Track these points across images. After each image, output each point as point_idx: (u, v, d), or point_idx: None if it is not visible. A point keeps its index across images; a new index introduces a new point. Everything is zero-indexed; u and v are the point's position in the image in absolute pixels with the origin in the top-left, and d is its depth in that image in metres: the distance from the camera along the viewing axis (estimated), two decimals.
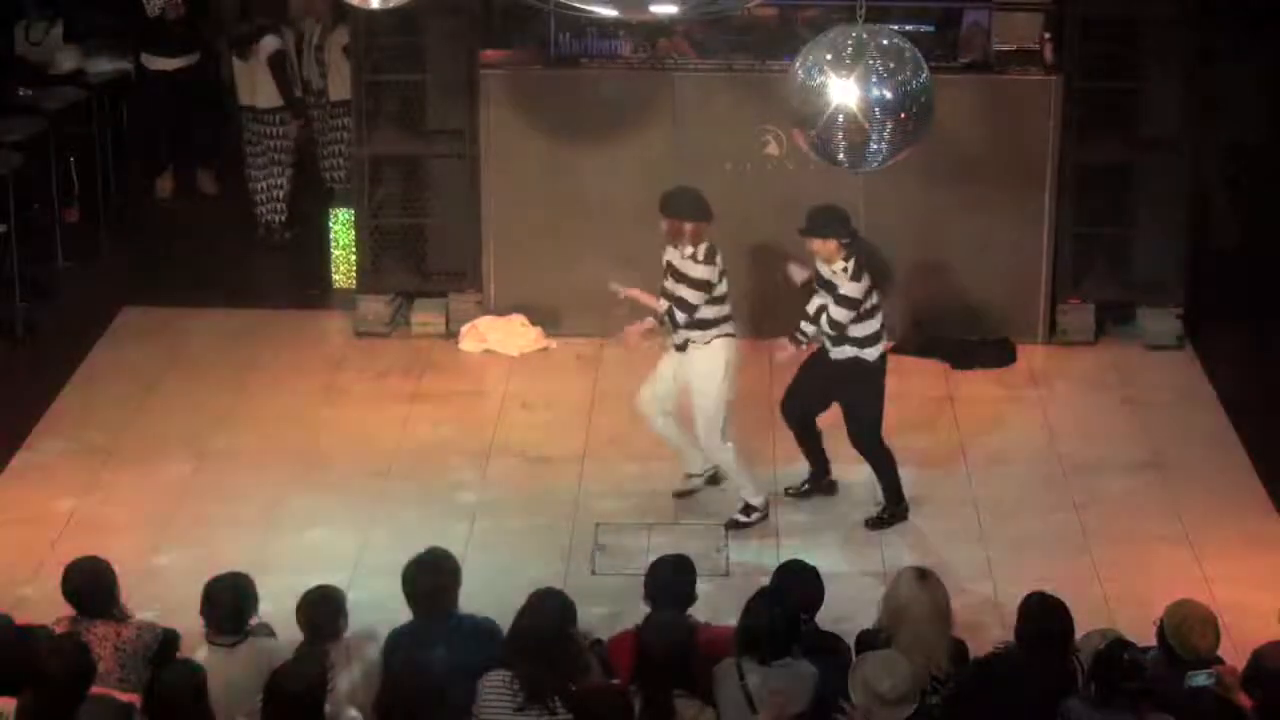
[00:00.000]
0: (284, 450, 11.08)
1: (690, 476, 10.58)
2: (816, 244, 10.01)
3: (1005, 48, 12.42)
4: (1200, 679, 7.32)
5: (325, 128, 14.32)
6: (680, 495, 10.57)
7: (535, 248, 12.51)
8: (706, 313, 10.01)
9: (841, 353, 10.06)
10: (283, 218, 14.29)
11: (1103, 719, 7.13)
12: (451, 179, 12.68)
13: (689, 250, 9.96)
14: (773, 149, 12.22)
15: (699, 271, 9.94)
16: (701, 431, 10.21)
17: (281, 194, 14.28)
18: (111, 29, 15.11)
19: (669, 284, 10.05)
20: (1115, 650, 7.30)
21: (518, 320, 12.45)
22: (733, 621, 7.98)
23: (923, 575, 7.78)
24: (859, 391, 10.15)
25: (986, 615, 9.17)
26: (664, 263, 10.12)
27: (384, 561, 9.30)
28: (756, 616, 7.62)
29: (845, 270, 9.95)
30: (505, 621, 7.61)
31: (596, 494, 10.58)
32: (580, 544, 10.14)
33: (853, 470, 10.66)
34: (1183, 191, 12.44)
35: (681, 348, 10.13)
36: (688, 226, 9.94)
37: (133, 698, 7.32)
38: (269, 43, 13.96)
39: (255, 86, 14.05)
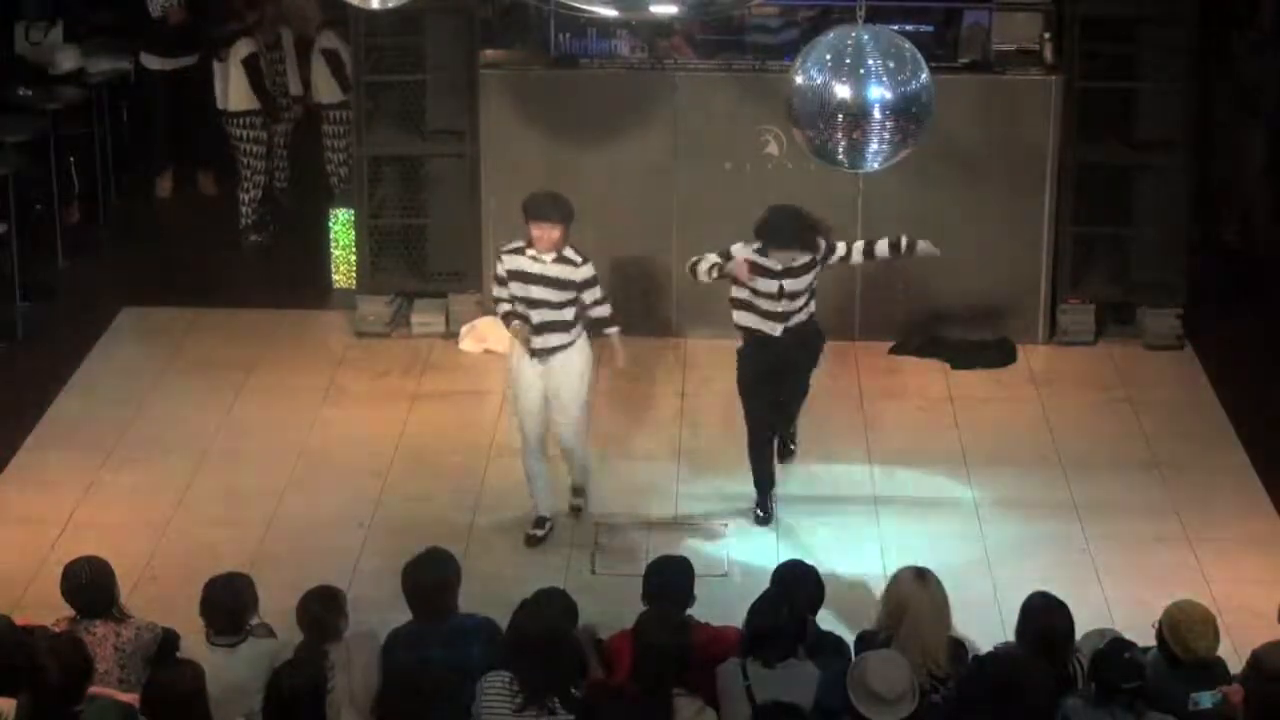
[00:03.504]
0: (284, 450, 11.08)
1: (545, 521, 10.19)
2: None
3: (1005, 48, 12.41)
4: (1205, 700, 7.31)
5: (326, 132, 14.34)
6: (535, 543, 10.13)
7: None
8: (574, 311, 9.88)
9: (808, 312, 10.04)
10: (249, 221, 14.27)
11: (1102, 719, 7.13)
12: (451, 179, 12.68)
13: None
14: (773, 149, 12.22)
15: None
16: (576, 436, 10.05)
17: (248, 198, 14.26)
18: (111, 29, 15.13)
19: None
20: (1114, 650, 7.30)
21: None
22: (732, 621, 7.99)
23: (921, 575, 7.77)
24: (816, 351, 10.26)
25: (986, 615, 9.17)
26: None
27: (384, 562, 9.31)
28: (764, 618, 7.62)
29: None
30: (505, 621, 7.61)
31: (596, 494, 10.57)
32: (580, 544, 10.14)
33: (852, 470, 10.67)
34: (1183, 191, 12.44)
35: (545, 354, 9.86)
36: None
37: (132, 698, 7.31)
38: (242, 46, 13.97)
39: (228, 89, 14.06)
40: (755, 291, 9.96)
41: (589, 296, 9.89)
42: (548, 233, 9.75)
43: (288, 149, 14.76)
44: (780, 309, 9.97)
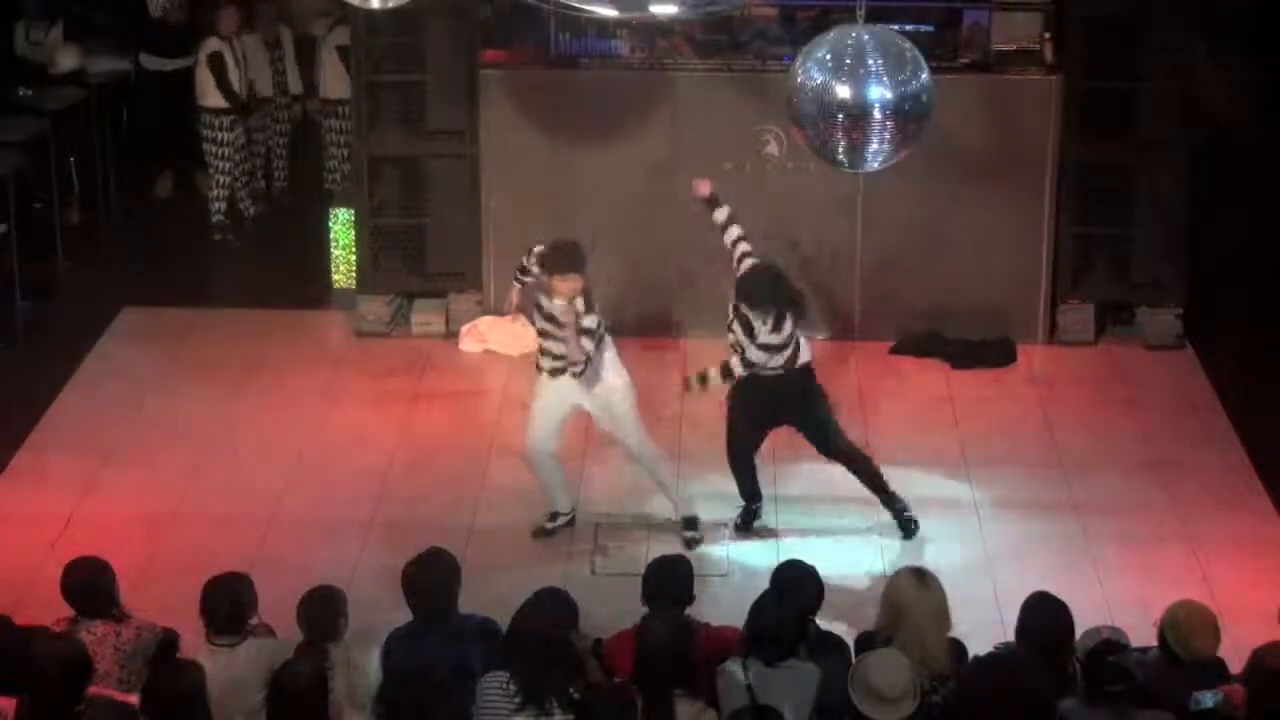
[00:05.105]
0: (284, 450, 11.08)
1: (558, 516, 10.27)
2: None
3: (1005, 48, 12.42)
4: (1207, 700, 7.30)
5: (332, 128, 14.34)
6: (541, 535, 10.24)
7: None
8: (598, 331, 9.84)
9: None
10: (214, 220, 14.25)
11: (1099, 719, 7.13)
12: (451, 179, 12.69)
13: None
14: (773, 149, 12.22)
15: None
16: (643, 444, 10.06)
17: (213, 195, 14.25)
18: (111, 29, 15.14)
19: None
20: (1101, 652, 7.28)
21: (518, 321, 12.44)
22: (733, 621, 7.99)
23: (921, 575, 7.76)
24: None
25: (986, 615, 9.17)
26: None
27: (384, 561, 9.31)
28: (764, 617, 7.61)
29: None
30: (505, 621, 7.61)
31: (596, 494, 10.58)
32: (580, 544, 10.14)
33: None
34: (1183, 191, 12.45)
35: (581, 373, 9.81)
36: None
37: (132, 698, 7.31)
38: (210, 44, 13.99)
39: (201, 86, 14.09)
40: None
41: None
42: (569, 285, 9.66)
43: (287, 149, 14.77)
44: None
